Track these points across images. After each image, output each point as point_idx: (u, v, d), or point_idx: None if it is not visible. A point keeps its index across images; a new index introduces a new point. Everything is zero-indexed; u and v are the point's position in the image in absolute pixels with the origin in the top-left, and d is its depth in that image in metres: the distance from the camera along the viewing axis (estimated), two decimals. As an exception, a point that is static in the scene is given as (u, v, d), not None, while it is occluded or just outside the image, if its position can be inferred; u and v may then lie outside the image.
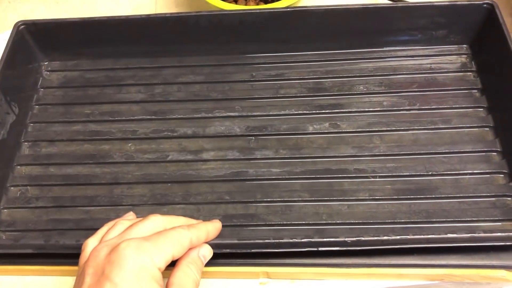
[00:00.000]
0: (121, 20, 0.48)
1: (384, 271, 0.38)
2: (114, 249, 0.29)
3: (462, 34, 0.48)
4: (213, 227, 0.35)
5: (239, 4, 0.53)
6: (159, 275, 0.29)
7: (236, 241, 0.35)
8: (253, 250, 0.35)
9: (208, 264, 0.38)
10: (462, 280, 0.38)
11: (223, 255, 0.36)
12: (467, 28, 0.48)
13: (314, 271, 0.38)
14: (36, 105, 0.49)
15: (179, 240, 0.31)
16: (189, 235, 0.32)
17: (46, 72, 0.51)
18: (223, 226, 0.37)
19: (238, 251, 0.35)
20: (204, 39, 0.50)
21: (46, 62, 0.51)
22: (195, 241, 0.33)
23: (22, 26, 0.48)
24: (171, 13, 0.48)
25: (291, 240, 0.34)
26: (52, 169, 0.44)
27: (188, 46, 0.50)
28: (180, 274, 0.32)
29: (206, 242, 0.35)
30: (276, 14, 0.47)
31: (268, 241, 0.34)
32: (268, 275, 0.39)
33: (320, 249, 0.34)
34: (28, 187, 0.43)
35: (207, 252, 0.34)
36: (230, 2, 0.52)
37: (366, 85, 0.47)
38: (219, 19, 0.49)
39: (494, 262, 0.37)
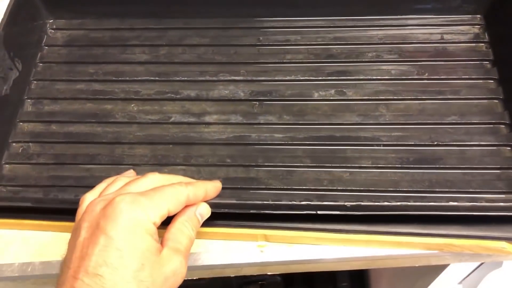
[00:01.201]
0: None
1: (383, 238, 0.37)
2: (109, 203, 0.29)
3: (476, 4, 0.47)
4: (213, 186, 0.35)
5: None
6: (153, 229, 0.29)
7: (234, 201, 0.35)
8: (251, 211, 0.35)
9: (207, 225, 0.38)
10: (462, 250, 0.38)
11: (222, 216, 0.36)
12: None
13: (312, 236, 0.38)
14: (40, 62, 0.48)
15: (176, 196, 0.31)
16: (186, 191, 0.32)
17: (51, 30, 0.50)
18: (223, 188, 0.37)
19: (237, 211, 0.35)
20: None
21: (51, 20, 0.51)
22: (193, 198, 0.33)
23: None
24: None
25: (289, 203, 0.34)
26: (54, 127, 0.44)
27: (194, 8, 0.49)
28: (175, 230, 0.32)
29: (205, 202, 0.35)
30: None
31: (266, 202, 0.34)
32: (266, 238, 0.39)
33: (318, 212, 0.34)
34: (30, 143, 0.43)
35: (205, 211, 0.34)
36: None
37: (375, 53, 0.46)
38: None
39: (495, 234, 0.36)
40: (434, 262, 0.41)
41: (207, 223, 0.38)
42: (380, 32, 0.48)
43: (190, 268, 0.39)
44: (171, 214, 0.31)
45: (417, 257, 0.40)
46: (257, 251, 0.39)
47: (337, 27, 0.48)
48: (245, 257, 0.39)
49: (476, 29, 0.47)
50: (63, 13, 0.50)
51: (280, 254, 0.39)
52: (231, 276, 0.97)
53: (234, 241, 0.39)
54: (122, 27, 0.50)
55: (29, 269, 0.39)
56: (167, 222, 0.32)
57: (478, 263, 0.51)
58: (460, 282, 0.56)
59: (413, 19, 0.48)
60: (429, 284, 0.57)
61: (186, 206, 0.33)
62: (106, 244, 0.28)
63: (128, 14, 0.50)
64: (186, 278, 0.40)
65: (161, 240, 0.31)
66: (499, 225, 0.37)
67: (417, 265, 0.42)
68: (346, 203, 0.34)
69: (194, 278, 0.42)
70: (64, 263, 0.29)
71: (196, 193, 0.33)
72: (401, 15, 0.48)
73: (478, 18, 0.48)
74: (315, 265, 0.40)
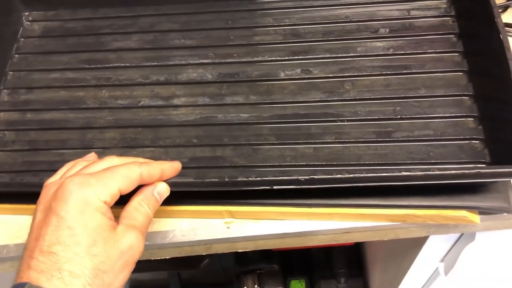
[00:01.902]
0: None
1: (345, 211, 0.38)
2: (60, 186, 0.30)
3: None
4: (170, 166, 0.35)
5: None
6: (104, 207, 0.30)
7: (192, 180, 0.35)
8: (208, 189, 0.35)
9: (173, 203, 0.39)
10: (424, 221, 0.38)
11: (185, 195, 0.37)
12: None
13: (276, 210, 0.38)
14: (16, 54, 0.50)
15: (127, 174, 0.32)
16: (138, 170, 0.32)
17: (26, 22, 0.52)
18: (189, 167, 0.38)
19: (194, 189, 0.35)
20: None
21: (26, 12, 0.52)
22: (147, 177, 0.33)
23: None
24: None
25: (245, 179, 0.34)
26: (29, 115, 0.46)
27: (163, -6, 0.50)
28: (131, 208, 0.32)
29: (164, 181, 0.35)
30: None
31: (223, 180, 0.35)
32: (232, 215, 0.39)
33: (274, 187, 0.34)
34: (6, 131, 0.45)
35: (163, 190, 0.34)
36: None
37: (341, 31, 0.47)
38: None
39: (455, 203, 0.37)
40: (402, 235, 0.42)
41: (173, 201, 0.39)
42: (347, 11, 0.48)
43: (160, 246, 0.40)
44: (124, 192, 0.32)
45: (382, 229, 0.40)
46: (224, 227, 0.40)
47: (305, 7, 0.49)
48: (212, 234, 0.40)
49: (443, 3, 0.47)
50: (38, 5, 0.52)
51: (246, 230, 0.40)
52: (229, 262, 0.97)
53: (201, 219, 0.40)
54: (95, 17, 0.51)
55: (4, 252, 0.40)
56: (125, 202, 0.33)
57: (455, 239, 0.51)
58: (441, 260, 0.57)
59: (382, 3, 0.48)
60: (412, 262, 0.57)
61: (145, 186, 0.34)
62: (57, 224, 0.29)
63: (101, 3, 0.51)
64: (159, 258, 0.42)
65: (118, 219, 0.32)
66: (460, 195, 0.37)
67: (386, 239, 0.42)
68: (299, 177, 0.34)
69: (167, 257, 0.42)
70: (24, 246, 0.31)
71: (150, 172, 0.33)
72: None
73: (446, -2, 0.47)
74: (282, 240, 0.41)
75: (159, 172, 0.34)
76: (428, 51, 0.44)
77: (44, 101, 0.46)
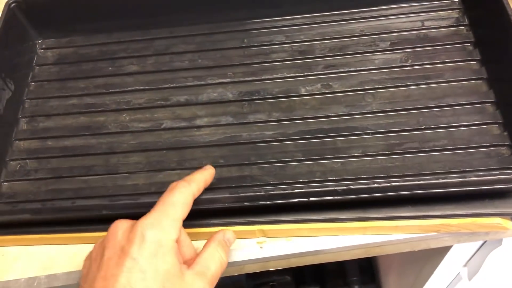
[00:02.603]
0: None
1: (379, 224, 0.38)
2: (132, 228, 0.30)
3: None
4: (208, 173, 0.36)
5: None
6: (175, 246, 0.31)
7: (228, 195, 0.35)
8: (245, 204, 0.35)
9: (205, 225, 0.39)
10: (459, 230, 0.38)
11: (219, 213, 0.37)
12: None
13: (310, 227, 0.38)
14: (32, 82, 0.49)
15: (185, 201, 0.32)
16: (191, 191, 0.33)
17: (40, 50, 0.51)
18: (220, 188, 0.38)
19: (231, 205, 0.35)
20: (194, 7, 0.49)
21: (40, 40, 0.52)
22: (197, 194, 0.34)
23: (13, 4, 0.48)
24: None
25: (282, 192, 0.35)
26: (50, 142, 0.45)
27: (179, 16, 0.50)
28: (206, 255, 0.32)
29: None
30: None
31: (259, 194, 0.35)
32: (264, 234, 0.39)
33: (311, 199, 0.34)
34: (27, 160, 0.44)
35: (231, 236, 0.35)
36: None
37: (357, 46, 0.47)
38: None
39: (489, 210, 0.37)
40: (433, 245, 0.42)
41: (205, 223, 0.39)
42: (361, 25, 0.48)
43: (192, 270, 0.40)
44: (184, 218, 0.32)
45: (415, 240, 0.40)
46: (256, 247, 0.39)
47: (319, 23, 0.49)
48: (245, 254, 0.39)
49: (455, 13, 0.48)
50: (51, 33, 0.51)
51: (279, 249, 0.39)
52: (241, 276, 0.97)
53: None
54: (109, 41, 0.51)
55: (35, 284, 0.39)
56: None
57: (479, 244, 0.51)
58: (465, 265, 0.57)
59: (392, 9, 0.49)
60: (434, 269, 0.57)
61: (216, 233, 0.35)
62: (131, 267, 0.29)
63: (114, 28, 0.51)
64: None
65: (191, 263, 0.32)
66: (492, 201, 0.37)
67: (417, 250, 0.42)
68: (336, 188, 0.34)
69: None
70: (85, 281, 0.30)
71: (199, 187, 0.34)
72: (380, 6, 0.49)
73: (457, 3, 0.48)
74: (314, 257, 0.41)
75: (203, 184, 0.35)
76: (446, 60, 0.45)
77: (64, 128, 0.46)
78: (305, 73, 0.46)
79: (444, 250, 0.53)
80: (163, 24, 0.51)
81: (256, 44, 0.49)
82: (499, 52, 0.43)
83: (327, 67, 0.46)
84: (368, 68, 0.45)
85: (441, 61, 0.45)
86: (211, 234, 0.39)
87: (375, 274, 0.97)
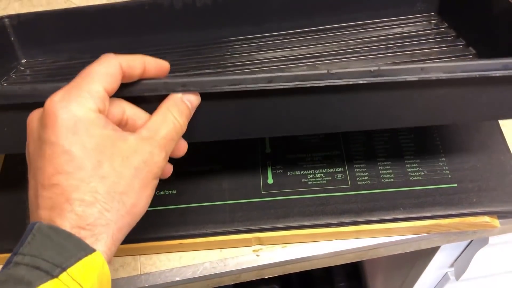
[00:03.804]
0: (102, 7, 0.49)
1: (372, 227, 0.39)
2: (43, 111, 0.26)
3: (428, 3, 0.49)
4: (153, 60, 0.30)
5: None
6: (100, 118, 0.26)
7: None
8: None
9: (200, 235, 0.39)
10: (449, 230, 0.39)
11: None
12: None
13: (304, 233, 0.39)
14: (5, 82, 0.48)
15: (105, 70, 0.27)
16: (115, 60, 0.27)
17: (21, 68, 0.51)
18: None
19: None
20: (179, 25, 0.50)
21: (24, 60, 0.51)
22: (127, 67, 0.28)
23: (6, 20, 0.48)
24: (147, -1, 0.49)
25: (267, 75, 0.30)
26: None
27: (164, 36, 0.50)
28: (155, 118, 0.28)
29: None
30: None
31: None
32: (260, 241, 0.39)
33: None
34: None
35: (193, 97, 0.30)
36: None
37: (341, 53, 0.48)
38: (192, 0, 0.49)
39: (477, 210, 0.38)
40: (424, 245, 0.43)
41: (202, 233, 0.39)
42: (344, 37, 0.49)
43: (189, 281, 0.40)
44: (112, 91, 0.27)
45: (407, 242, 0.41)
46: (253, 255, 0.40)
47: (303, 38, 0.50)
48: (242, 263, 0.40)
49: (433, 21, 0.49)
50: (37, 53, 0.51)
51: (275, 256, 0.40)
52: (228, 286, 0.96)
53: (228, 249, 0.40)
54: (94, 59, 0.50)
55: None
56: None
57: (466, 244, 0.53)
58: (451, 265, 0.58)
59: (373, 23, 0.50)
60: (422, 270, 0.59)
61: (170, 94, 0.29)
62: (51, 153, 0.25)
63: (100, 49, 0.50)
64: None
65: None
66: (480, 201, 0.38)
67: (408, 251, 0.43)
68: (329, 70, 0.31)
69: (194, 291, 0.42)
70: (29, 188, 0.27)
71: (129, 62, 0.28)
72: (361, 21, 0.50)
73: (433, 14, 0.50)
74: (310, 263, 0.41)
75: (140, 63, 0.29)
76: (431, 46, 0.45)
77: None
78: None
79: (431, 251, 0.54)
80: (149, 43, 0.50)
81: (240, 53, 0.49)
82: (482, 34, 0.44)
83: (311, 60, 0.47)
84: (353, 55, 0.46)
85: (426, 47, 0.45)
86: (209, 244, 0.39)
87: (362, 279, 0.98)
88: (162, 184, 0.41)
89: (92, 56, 0.49)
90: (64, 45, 0.50)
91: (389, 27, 0.50)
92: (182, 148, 0.31)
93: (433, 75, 0.30)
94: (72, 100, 0.25)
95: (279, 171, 0.42)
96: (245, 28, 0.50)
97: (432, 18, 0.50)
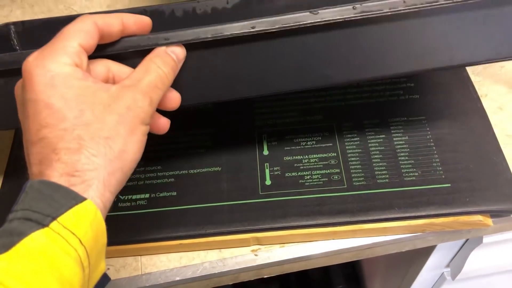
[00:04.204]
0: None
1: (368, 226, 0.39)
2: (22, 75, 0.26)
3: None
4: (132, 16, 0.30)
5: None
6: (77, 71, 0.26)
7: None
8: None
9: (200, 235, 0.39)
10: (443, 228, 0.40)
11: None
12: None
13: (302, 232, 0.40)
14: None
15: (79, 28, 0.27)
16: (90, 18, 0.27)
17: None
18: None
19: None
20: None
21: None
22: (103, 24, 0.28)
23: (12, 26, 0.49)
24: (148, 5, 0.50)
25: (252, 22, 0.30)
26: None
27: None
28: (139, 68, 0.28)
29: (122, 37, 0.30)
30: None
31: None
32: (258, 241, 0.40)
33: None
34: None
35: (178, 49, 0.30)
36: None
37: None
38: (192, 7, 0.50)
39: (470, 209, 0.39)
40: (419, 245, 0.44)
41: (201, 234, 0.39)
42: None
43: (189, 280, 0.40)
44: (88, 48, 0.27)
45: (402, 241, 0.42)
46: (251, 255, 0.40)
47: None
48: (241, 263, 0.40)
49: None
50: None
51: (273, 256, 0.40)
52: (226, 286, 0.96)
53: (227, 249, 0.41)
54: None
55: None
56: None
57: (461, 244, 0.54)
58: (448, 265, 0.59)
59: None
60: (419, 271, 0.59)
61: (155, 48, 0.29)
62: (34, 110, 0.25)
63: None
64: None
65: None
66: (474, 201, 0.39)
67: (404, 250, 0.44)
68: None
69: (193, 291, 0.43)
70: None
71: (106, 20, 0.28)
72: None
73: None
74: (307, 262, 0.42)
75: (117, 20, 0.29)
76: None
77: None
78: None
79: (427, 251, 0.55)
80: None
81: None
82: None
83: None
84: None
85: None
86: (208, 244, 0.40)
87: (360, 280, 0.98)
88: (163, 186, 0.42)
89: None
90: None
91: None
92: (175, 99, 0.31)
93: (416, 6, 0.29)
94: (46, 58, 0.25)
95: (276, 173, 0.42)
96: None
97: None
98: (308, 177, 0.42)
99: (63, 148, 0.24)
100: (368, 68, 0.33)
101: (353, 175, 0.42)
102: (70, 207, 0.23)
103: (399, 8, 0.30)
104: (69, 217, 0.23)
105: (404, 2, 0.30)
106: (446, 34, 0.32)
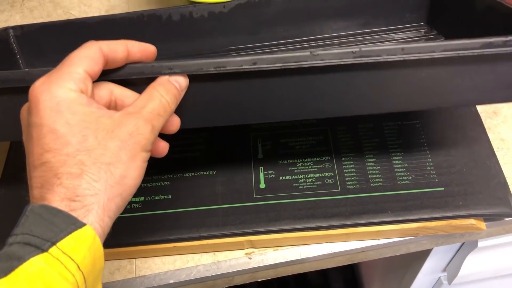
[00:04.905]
0: (102, 18, 0.50)
1: (361, 230, 0.40)
2: (28, 100, 0.27)
3: (417, 13, 0.51)
4: (138, 43, 0.31)
5: (207, -4, 0.55)
6: (82, 97, 0.26)
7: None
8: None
9: (194, 238, 0.40)
10: (436, 232, 0.40)
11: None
12: (419, 5, 0.50)
13: (296, 236, 0.40)
14: None
15: (85, 54, 0.28)
16: (95, 44, 0.28)
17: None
18: None
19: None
20: (177, 36, 0.51)
21: (26, 69, 0.53)
22: (108, 51, 0.28)
23: (11, 30, 0.49)
24: (146, 10, 0.50)
25: (253, 58, 0.30)
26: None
27: (162, 46, 0.51)
28: (141, 96, 0.29)
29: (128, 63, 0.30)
30: (241, 3, 0.50)
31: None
32: (252, 244, 0.40)
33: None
34: None
35: (181, 79, 0.30)
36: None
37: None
38: (189, 11, 0.51)
39: (463, 212, 0.39)
40: (413, 248, 0.44)
41: (193, 237, 0.40)
42: (337, 42, 0.51)
43: (184, 283, 0.41)
44: (93, 74, 0.28)
45: (396, 245, 0.42)
46: (245, 258, 0.41)
47: (294, 48, 0.51)
48: (235, 266, 0.40)
49: (423, 30, 0.51)
50: (39, 64, 0.52)
51: (267, 259, 0.41)
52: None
53: (222, 252, 0.41)
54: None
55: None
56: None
57: (457, 248, 0.54)
58: (444, 270, 0.59)
59: (364, 33, 0.51)
60: (416, 275, 0.59)
61: (158, 77, 0.30)
62: (38, 134, 0.26)
63: None
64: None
65: None
66: (466, 204, 0.39)
67: (398, 254, 0.44)
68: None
69: (188, 293, 0.43)
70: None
71: (111, 46, 0.29)
72: (351, 31, 0.52)
73: (422, 25, 0.52)
74: (301, 265, 0.42)
75: (122, 46, 0.29)
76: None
77: None
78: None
79: (423, 256, 0.55)
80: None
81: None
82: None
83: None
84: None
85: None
86: (202, 247, 0.40)
87: (358, 285, 0.98)
88: (158, 190, 0.43)
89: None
90: (66, 55, 0.52)
91: (379, 33, 0.51)
92: (175, 123, 0.31)
93: (414, 56, 0.30)
94: (52, 83, 0.26)
95: (271, 176, 0.43)
96: (240, 37, 0.52)
97: (422, 27, 0.51)
98: (302, 180, 0.42)
99: (65, 173, 0.25)
100: (363, 106, 0.34)
101: (346, 178, 0.42)
102: (70, 233, 0.24)
103: (397, 56, 0.30)
104: (68, 243, 0.23)
105: (403, 50, 0.30)
106: (439, 80, 0.33)
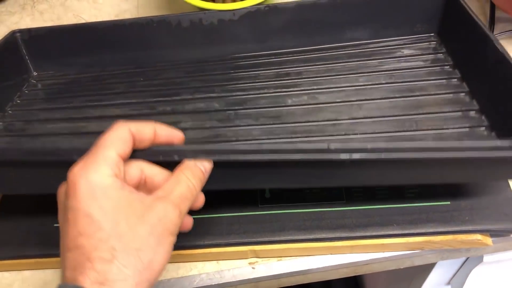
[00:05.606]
0: (111, 23, 0.51)
1: (366, 242, 0.39)
2: (66, 183, 0.29)
3: (428, 24, 0.51)
4: (165, 127, 0.32)
5: (217, 3, 0.55)
6: (116, 182, 0.28)
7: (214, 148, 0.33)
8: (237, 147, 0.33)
9: (198, 246, 0.39)
10: (441, 247, 0.40)
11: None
12: (430, 16, 0.50)
13: (300, 246, 0.39)
14: (18, 99, 0.51)
15: (116, 136, 0.29)
16: (125, 127, 0.30)
17: (33, 81, 0.53)
18: None
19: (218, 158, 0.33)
20: (186, 43, 0.52)
21: (35, 73, 0.54)
22: (136, 132, 0.30)
23: (18, 34, 0.50)
24: (156, 15, 0.51)
25: (271, 148, 0.32)
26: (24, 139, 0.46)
27: (171, 52, 0.52)
28: (170, 180, 0.30)
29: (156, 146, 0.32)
30: (251, 11, 0.50)
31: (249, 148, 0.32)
32: (256, 254, 0.40)
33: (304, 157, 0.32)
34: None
35: (207, 164, 0.32)
36: (208, 1, 0.54)
37: (342, 70, 0.50)
38: (199, 18, 0.51)
39: (469, 227, 0.39)
40: (417, 262, 0.43)
41: (198, 245, 0.39)
42: (345, 55, 0.51)
43: (185, 292, 0.40)
44: (125, 156, 0.30)
45: (401, 258, 0.41)
46: (249, 268, 0.40)
47: (304, 55, 0.52)
48: (238, 275, 0.40)
49: (433, 44, 0.51)
50: (47, 66, 0.53)
51: (271, 269, 0.40)
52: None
53: (225, 261, 0.41)
54: (102, 73, 0.53)
55: (28, 309, 0.39)
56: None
57: (462, 262, 0.53)
58: (448, 283, 0.59)
59: (373, 43, 0.52)
60: (420, 287, 0.59)
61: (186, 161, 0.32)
62: (74, 217, 0.27)
63: (108, 63, 0.53)
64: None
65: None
66: (472, 219, 0.39)
67: (402, 267, 0.44)
68: (329, 145, 0.32)
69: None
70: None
71: (139, 128, 0.30)
72: (361, 40, 0.52)
73: (433, 36, 0.51)
74: (305, 276, 0.42)
75: (150, 128, 0.31)
76: (428, 78, 0.47)
77: (44, 129, 0.47)
78: (292, 89, 0.48)
79: (428, 268, 0.54)
80: (156, 59, 0.53)
81: (243, 70, 0.51)
82: (476, 69, 0.45)
83: (313, 83, 0.48)
84: (353, 85, 0.47)
85: (424, 79, 0.47)
86: (206, 255, 0.40)
87: (361, 293, 0.98)
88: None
89: (102, 70, 0.52)
90: (74, 59, 0.53)
91: (389, 47, 0.51)
92: (201, 200, 0.33)
93: (424, 155, 0.32)
94: (89, 169, 0.28)
95: (276, 185, 0.43)
96: (248, 45, 0.52)
97: (432, 38, 0.51)
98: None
99: (97, 258, 0.26)
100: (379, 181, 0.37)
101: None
102: None
103: (412, 155, 0.32)
104: None
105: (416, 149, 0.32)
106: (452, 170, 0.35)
